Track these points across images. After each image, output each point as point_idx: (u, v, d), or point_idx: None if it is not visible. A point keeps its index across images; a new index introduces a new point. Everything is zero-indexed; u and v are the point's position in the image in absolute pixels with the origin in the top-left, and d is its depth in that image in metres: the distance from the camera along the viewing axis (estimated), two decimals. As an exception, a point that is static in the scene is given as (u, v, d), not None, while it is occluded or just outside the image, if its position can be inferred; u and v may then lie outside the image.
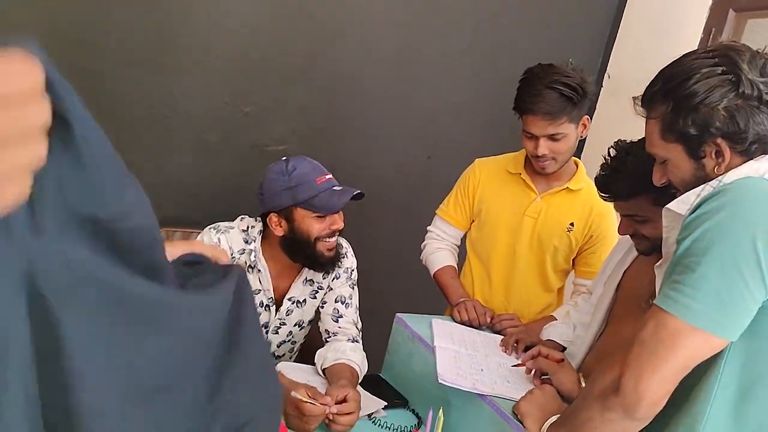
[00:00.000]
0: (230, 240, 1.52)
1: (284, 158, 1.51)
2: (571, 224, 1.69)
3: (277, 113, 2.20)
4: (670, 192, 1.21)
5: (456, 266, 1.87)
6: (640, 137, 1.30)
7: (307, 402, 1.19)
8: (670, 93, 0.95)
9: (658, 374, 0.85)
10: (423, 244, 1.94)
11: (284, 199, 1.45)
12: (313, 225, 1.46)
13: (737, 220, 0.82)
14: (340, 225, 1.50)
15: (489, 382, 1.27)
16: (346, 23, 2.20)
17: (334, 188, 1.47)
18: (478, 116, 2.52)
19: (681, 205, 0.95)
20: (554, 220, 1.69)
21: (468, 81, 2.46)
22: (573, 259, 1.76)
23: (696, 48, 2.44)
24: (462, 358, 1.37)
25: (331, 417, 1.21)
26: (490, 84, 2.49)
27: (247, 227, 1.56)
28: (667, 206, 0.97)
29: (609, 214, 1.66)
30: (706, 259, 0.82)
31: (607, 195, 1.30)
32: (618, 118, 2.36)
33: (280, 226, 1.49)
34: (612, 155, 1.31)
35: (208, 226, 1.55)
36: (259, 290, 1.56)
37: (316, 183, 1.45)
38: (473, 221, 1.84)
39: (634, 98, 1.05)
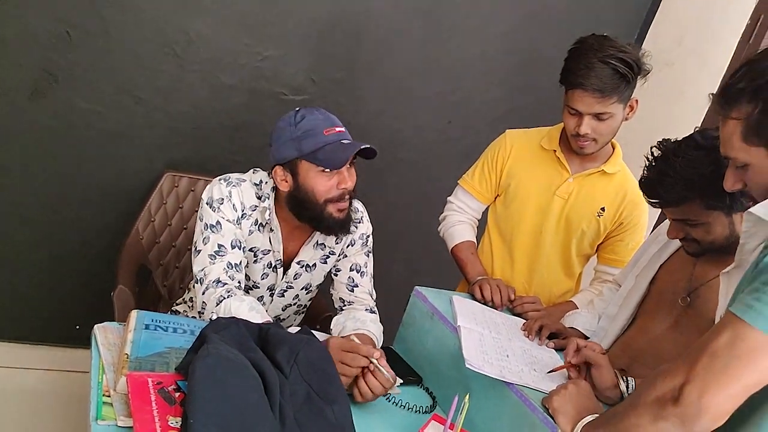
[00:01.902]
0: (242, 194, 1.42)
1: (297, 108, 1.40)
2: (602, 209, 1.61)
3: (297, 61, 2.07)
4: (723, 195, 1.14)
5: (475, 242, 1.80)
6: (686, 135, 1.22)
7: (357, 342, 1.19)
8: (759, 92, 0.86)
9: (727, 390, 0.79)
10: (442, 215, 1.84)
11: (290, 150, 1.35)
12: (318, 181, 1.35)
13: None
14: (349, 184, 1.37)
15: (516, 370, 1.22)
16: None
17: (343, 141, 1.35)
18: (504, 83, 2.41)
19: (767, 210, 0.87)
20: (585, 202, 1.61)
21: (496, 45, 2.34)
22: (598, 245, 1.69)
23: (739, 35, 2.35)
24: (487, 341, 1.31)
25: (372, 368, 1.16)
26: (519, 51, 2.37)
27: (260, 181, 1.46)
28: (750, 210, 0.89)
29: (642, 203, 1.58)
30: None
31: (655, 200, 1.23)
32: (651, 97, 2.27)
33: (286, 181, 1.38)
34: (657, 156, 1.22)
35: (218, 177, 1.45)
36: (269, 251, 1.47)
37: (323, 134, 1.33)
38: (498, 195, 1.75)
39: (711, 94, 0.95)
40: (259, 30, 1.98)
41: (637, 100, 1.52)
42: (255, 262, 1.48)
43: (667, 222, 1.46)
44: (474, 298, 1.57)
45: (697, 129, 1.21)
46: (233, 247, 1.39)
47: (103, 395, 1.00)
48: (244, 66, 2.00)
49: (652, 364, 1.30)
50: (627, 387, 1.18)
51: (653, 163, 1.22)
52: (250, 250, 1.47)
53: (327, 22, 2.05)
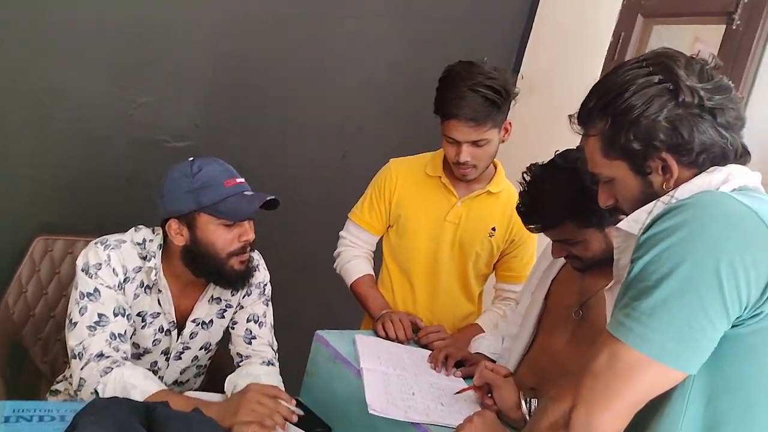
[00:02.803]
0: (123, 257, 1.31)
1: (191, 158, 1.33)
2: (493, 229, 1.63)
3: (176, 105, 1.97)
4: (590, 213, 1.18)
5: (373, 274, 1.76)
6: (550, 158, 1.26)
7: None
8: (606, 108, 0.89)
9: (611, 410, 0.78)
10: (336, 251, 1.81)
11: (186, 202, 1.28)
12: (218, 235, 1.29)
13: (697, 240, 0.75)
14: (251, 236, 1.33)
15: (422, 408, 1.18)
16: (254, 9, 2.02)
17: (245, 193, 1.31)
18: (393, 112, 2.42)
19: (632, 224, 0.89)
20: (476, 225, 1.63)
21: (383, 75, 2.36)
22: (494, 264, 1.71)
23: (605, 52, 2.52)
24: (391, 380, 1.27)
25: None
26: (405, 79, 2.40)
27: (143, 240, 1.36)
28: (617, 226, 0.91)
29: None
30: (664, 284, 0.75)
31: (532, 227, 1.26)
32: (532, 117, 2.36)
33: (181, 235, 1.31)
34: (527, 181, 1.26)
35: (94, 241, 1.33)
36: (158, 313, 1.36)
37: (224, 186, 1.28)
38: (390, 226, 1.74)
39: (570, 116, 0.98)
40: (131, 74, 1.87)
41: (510, 123, 1.56)
42: (144, 327, 1.36)
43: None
44: (378, 335, 1.52)
45: (557, 152, 1.25)
46: (116, 315, 1.28)
47: None
48: (119, 113, 1.88)
49: (557, 381, 1.31)
50: (530, 407, 1.17)
51: (525, 189, 1.25)
52: (138, 315, 1.35)
53: (205, 62, 1.98)
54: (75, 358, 1.24)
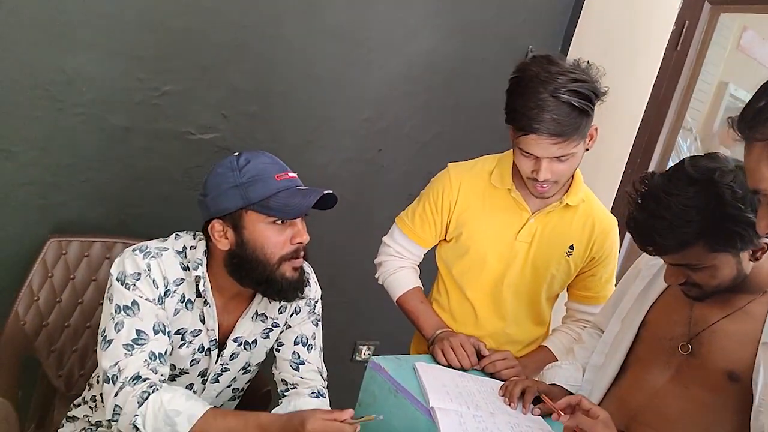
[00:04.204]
0: (164, 266, 1.15)
1: (237, 152, 1.17)
2: (571, 247, 1.42)
3: (202, 95, 1.79)
4: (732, 235, 0.99)
5: (422, 287, 1.57)
6: (673, 166, 1.07)
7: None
8: None
9: None
10: (378, 259, 1.60)
11: (233, 199, 1.11)
12: (268, 236, 1.13)
13: None
14: (305, 237, 1.17)
15: (510, 460, 1.01)
16: (288, -8, 1.82)
17: (299, 188, 1.15)
18: (431, 105, 2.24)
19: None
20: (551, 243, 1.41)
21: (420, 66, 2.16)
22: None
23: (664, 42, 2.32)
24: (467, 422, 1.10)
25: None
26: (444, 70, 2.21)
27: (184, 248, 1.18)
28: None
29: (612, 231, 1.43)
30: None
31: (651, 248, 1.05)
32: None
33: (226, 237, 1.14)
34: (645, 195, 1.05)
35: (131, 248, 1.16)
36: (200, 331, 1.19)
37: (275, 179, 1.13)
38: (448, 239, 1.52)
39: (730, 119, 0.79)
40: (154, 63, 1.68)
41: (596, 128, 1.31)
42: (182, 346, 1.20)
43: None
44: (436, 360, 1.34)
45: (686, 159, 1.05)
46: (156, 333, 1.12)
47: None
48: (140, 104, 1.70)
49: (655, 424, 1.14)
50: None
51: (641, 203, 1.05)
52: (177, 332, 1.18)
53: (232, 50, 1.79)
54: (108, 382, 1.08)
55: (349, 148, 2.12)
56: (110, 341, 1.10)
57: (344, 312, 2.23)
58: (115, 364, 1.08)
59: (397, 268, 1.54)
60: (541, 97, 1.19)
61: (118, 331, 1.10)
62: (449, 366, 1.32)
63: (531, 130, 1.21)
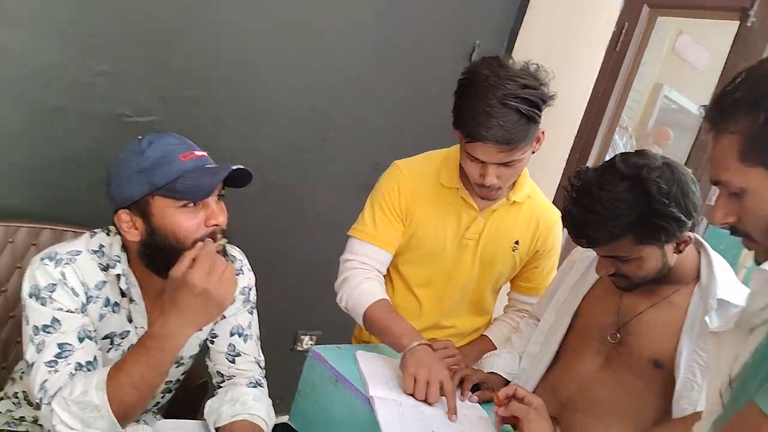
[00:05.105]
0: (81, 272, 1.06)
1: (140, 136, 1.09)
2: (516, 242, 1.44)
3: (141, 76, 1.71)
4: (657, 229, 1.03)
5: (390, 300, 1.42)
6: (606, 162, 1.11)
7: None
8: (760, 101, 0.72)
9: None
10: (340, 279, 1.44)
11: (137, 185, 1.03)
12: (179, 220, 1.05)
13: None
14: (220, 219, 1.08)
15: (447, 449, 1.02)
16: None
17: (206, 166, 1.07)
18: (378, 95, 2.23)
19: None
20: (498, 239, 1.42)
21: (368, 56, 2.16)
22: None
23: (606, 42, 2.39)
24: (406, 411, 1.10)
25: None
26: (392, 60, 2.21)
27: (100, 246, 1.10)
28: (762, 267, 0.76)
29: (556, 224, 1.46)
30: None
31: (583, 240, 1.09)
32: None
33: (135, 227, 1.06)
34: (579, 189, 1.09)
35: (39, 256, 1.06)
36: (128, 332, 1.14)
37: (180, 160, 1.04)
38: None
39: (703, 107, 0.81)
40: (89, 41, 1.60)
41: (543, 131, 1.29)
42: (110, 350, 1.14)
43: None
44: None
45: (617, 156, 1.09)
46: (81, 340, 1.04)
47: None
48: (73, 84, 1.61)
49: (586, 411, 1.19)
50: (566, 448, 1.03)
51: (575, 197, 1.08)
52: (105, 337, 1.12)
53: (174, 31, 1.72)
54: (40, 401, 1.00)
55: (294, 135, 2.09)
56: (32, 365, 1.01)
57: (286, 301, 2.21)
58: (42, 386, 1.00)
59: (364, 279, 1.40)
60: (490, 104, 1.17)
61: (40, 351, 1.01)
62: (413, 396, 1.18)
63: (478, 137, 1.19)
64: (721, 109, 0.77)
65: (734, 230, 0.80)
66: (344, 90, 2.13)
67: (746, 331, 0.79)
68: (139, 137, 1.09)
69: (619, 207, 1.02)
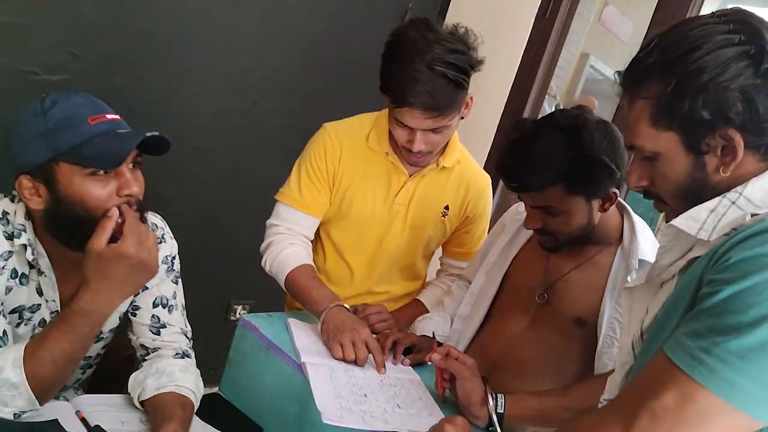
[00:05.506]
0: None
1: (45, 94, 0.99)
2: (446, 207, 1.44)
3: (49, 29, 1.58)
4: (588, 178, 1.07)
5: (314, 267, 1.43)
6: (546, 115, 1.14)
7: None
8: (670, 66, 0.73)
9: None
10: (265, 243, 1.43)
11: (38, 149, 0.95)
12: (87, 189, 0.96)
13: None
14: (135, 189, 1.01)
15: (379, 413, 1.03)
16: None
17: (118, 131, 0.99)
18: (312, 58, 2.16)
19: (691, 222, 0.75)
20: (428, 205, 1.42)
21: (295, 17, 2.08)
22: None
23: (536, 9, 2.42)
24: (339, 378, 1.10)
25: None
26: (327, 23, 2.14)
27: (4, 213, 1.01)
28: (672, 222, 0.77)
29: (486, 190, 1.48)
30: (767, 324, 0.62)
31: (515, 185, 1.12)
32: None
33: (38, 195, 0.98)
34: (515, 137, 1.12)
35: None
36: (38, 305, 1.06)
37: (88, 123, 0.96)
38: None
39: (617, 73, 0.81)
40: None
41: (471, 97, 1.28)
42: (20, 325, 1.06)
43: (512, 209, 1.38)
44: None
45: (557, 107, 1.12)
46: None
47: None
48: (-32, 34, 1.46)
49: (513, 370, 1.23)
50: (496, 405, 1.06)
51: (511, 145, 1.11)
52: (13, 311, 1.04)
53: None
54: None
55: (222, 99, 2.00)
56: None
57: (218, 270, 2.14)
58: None
59: (288, 244, 1.39)
60: (417, 68, 1.15)
61: None
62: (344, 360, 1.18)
63: (405, 102, 1.18)
64: (634, 75, 0.78)
65: (647, 193, 0.83)
66: (274, 51, 2.06)
67: (656, 286, 0.83)
68: (43, 95, 0.99)
69: (553, 155, 1.06)
